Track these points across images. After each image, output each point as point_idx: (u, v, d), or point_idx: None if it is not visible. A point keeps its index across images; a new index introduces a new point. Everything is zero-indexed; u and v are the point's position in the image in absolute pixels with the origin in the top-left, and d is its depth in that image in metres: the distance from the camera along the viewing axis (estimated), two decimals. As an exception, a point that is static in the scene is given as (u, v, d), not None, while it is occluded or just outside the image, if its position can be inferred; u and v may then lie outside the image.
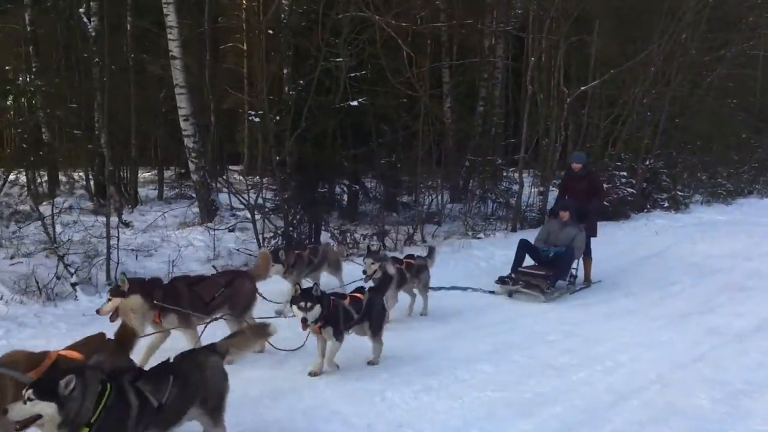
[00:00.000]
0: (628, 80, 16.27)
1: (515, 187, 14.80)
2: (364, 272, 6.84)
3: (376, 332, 5.78)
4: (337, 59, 10.01)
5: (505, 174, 16.93)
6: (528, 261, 9.04)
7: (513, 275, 8.74)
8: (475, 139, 16.59)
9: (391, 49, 11.24)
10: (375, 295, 5.88)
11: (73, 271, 8.13)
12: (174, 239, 10.81)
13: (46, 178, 16.36)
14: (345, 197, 13.61)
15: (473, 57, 17.56)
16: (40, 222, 8.78)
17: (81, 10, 11.84)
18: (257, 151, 16.92)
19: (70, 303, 7.59)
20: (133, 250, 9.78)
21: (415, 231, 11.74)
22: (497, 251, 11.04)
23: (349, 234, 10.78)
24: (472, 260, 10.69)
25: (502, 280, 8.74)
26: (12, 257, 9.00)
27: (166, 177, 18.55)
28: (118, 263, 8.64)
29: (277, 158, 9.83)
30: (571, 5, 13.96)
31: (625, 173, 16.74)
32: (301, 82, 10.09)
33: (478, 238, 12.32)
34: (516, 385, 5.36)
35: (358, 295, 5.75)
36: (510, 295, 8.66)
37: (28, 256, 8.96)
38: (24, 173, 13.78)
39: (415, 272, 7.46)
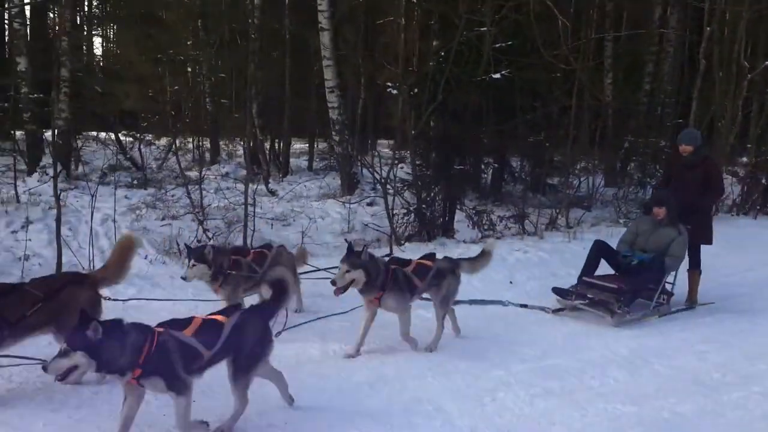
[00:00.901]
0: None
1: (680, 174, 13.39)
2: (333, 282, 4.95)
3: (239, 376, 3.72)
4: (481, 28, 9.40)
5: (670, 158, 15.45)
6: (605, 268, 7.05)
7: (578, 286, 6.86)
8: (639, 119, 15.23)
9: (544, 19, 10.37)
10: (251, 317, 3.86)
11: (211, 235, 8.46)
12: (313, 210, 11.01)
13: (208, 145, 17.50)
14: (488, 176, 13.08)
15: (641, 28, 16.00)
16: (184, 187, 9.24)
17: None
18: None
19: (204, 267, 7.85)
20: (271, 218, 10.05)
21: (559, 215, 10.93)
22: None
23: (485, 215, 10.24)
24: (620, 250, 9.70)
25: (560, 292, 6.83)
26: (162, 218, 9.61)
27: (318, 149, 19.00)
28: (254, 231, 8.85)
29: (413, 132, 9.51)
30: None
31: (810, 166, 14.50)
32: (442, 53, 9.62)
33: (630, 227, 11.23)
34: (652, 400, 4.65)
35: (218, 318, 3.75)
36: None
37: (175, 218, 9.52)
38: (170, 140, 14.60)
39: (432, 278, 5.47)
